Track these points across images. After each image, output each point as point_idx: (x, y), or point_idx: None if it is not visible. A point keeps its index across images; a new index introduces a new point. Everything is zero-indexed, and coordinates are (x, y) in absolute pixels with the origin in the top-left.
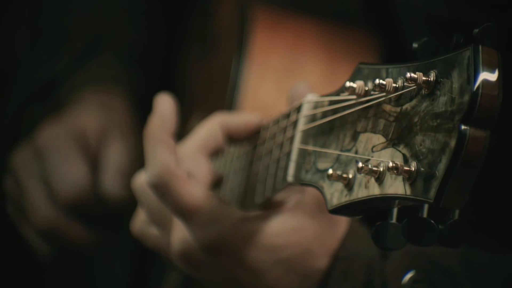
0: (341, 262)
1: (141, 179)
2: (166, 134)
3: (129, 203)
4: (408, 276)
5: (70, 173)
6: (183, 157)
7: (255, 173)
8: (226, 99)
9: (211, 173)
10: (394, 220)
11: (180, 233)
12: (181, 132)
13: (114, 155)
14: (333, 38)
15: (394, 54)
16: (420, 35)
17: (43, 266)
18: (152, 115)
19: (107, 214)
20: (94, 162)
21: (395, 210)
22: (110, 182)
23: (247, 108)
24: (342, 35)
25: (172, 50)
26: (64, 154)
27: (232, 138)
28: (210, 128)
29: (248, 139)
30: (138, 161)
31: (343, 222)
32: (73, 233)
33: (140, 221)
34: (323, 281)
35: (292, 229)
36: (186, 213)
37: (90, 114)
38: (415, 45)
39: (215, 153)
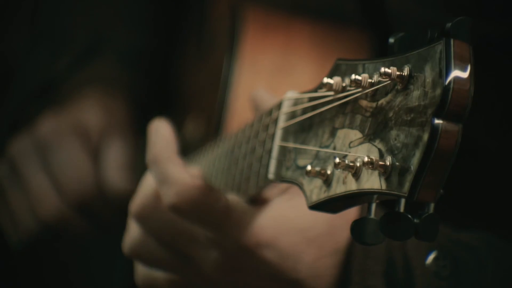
0: None
1: (141, 201)
2: (173, 153)
3: (130, 195)
4: (432, 256)
5: (76, 169)
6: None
7: (240, 172)
8: (217, 100)
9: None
10: (372, 215)
11: (210, 253)
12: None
13: (115, 152)
14: (324, 38)
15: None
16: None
17: (12, 251)
18: (152, 142)
19: (110, 210)
20: (93, 159)
21: (373, 205)
22: (114, 177)
23: (239, 108)
24: (333, 35)
25: (170, 51)
26: (69, 149)
27: None
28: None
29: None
30: (138, 160)
31: None
32: (77, 227)
33: (135, 240)
34: (347, 259)
35: None
36: (220, 220)
37: (92, 112)
38: (391, 40)
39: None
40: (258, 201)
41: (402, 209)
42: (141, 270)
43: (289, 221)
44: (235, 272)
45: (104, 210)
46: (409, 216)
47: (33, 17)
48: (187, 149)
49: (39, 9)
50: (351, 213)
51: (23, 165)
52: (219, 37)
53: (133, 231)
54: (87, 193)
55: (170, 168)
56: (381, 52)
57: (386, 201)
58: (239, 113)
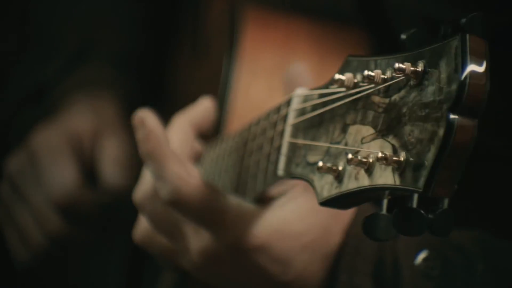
0: (352, 239)
1: (142, 191)
2: (166, 148)
3: (129, 193)
4: (421, 256)
5: (60, 175)
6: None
7: (246, 169)
8: (217, 99)
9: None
10: (384, 211)
11: (199, 239)
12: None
13: (110, 149)
14: (324, 37)
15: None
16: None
17: (16, 270)
18: (143, 136)
19: (102, 214)
20: (89, 163)
21: (385, 201)
22: (110, 172)
23: (238, 107)
24: (332, 34)
25: (162, 52)
26: (55, 157)
27: (201, 132)
28: (182, 133)
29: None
30: (132, 155)
31: None
32: (80, 237)
33: (143, 229)
34: (337, 258)
35: (310, 211)
36: (211, 219)
37: (82, 117)
38: (403, 36)
39: (193, 157)
40: (264, 200)
41: (415, 204)
42: (141, 227)
43: (286, 226)
44: (221, 265)
45: (97, 216)
46: (422, 211)
47: (22, 21)
48: None
49: (28, 14)
50: (346, 217)
51: (21, 183)
52: (216, 37)
53: (142, 221)
54: (74, 201)
55: (166, 165)
56: (380, 50)
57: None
58: (239, 112)
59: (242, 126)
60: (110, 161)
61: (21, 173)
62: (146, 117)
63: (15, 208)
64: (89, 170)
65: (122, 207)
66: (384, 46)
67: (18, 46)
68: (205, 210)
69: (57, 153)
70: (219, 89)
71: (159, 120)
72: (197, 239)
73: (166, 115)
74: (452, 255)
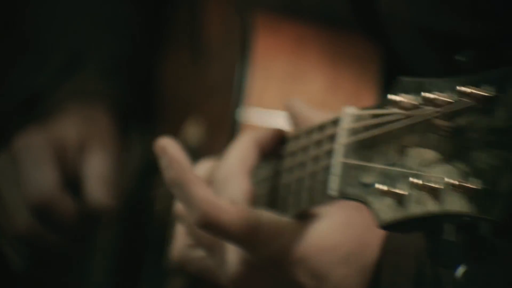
0: (390, 255)
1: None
2: (190, 173)
3: (116, 213)
4: (462, 268)
5: (38, 176)
6: (227, 178)
7: (285, 185)
8: (230, 105)
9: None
10: (447, 237)
11: (236, 253)
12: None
13: (97, 166)
14: (335, 45)
15: (395, 61)
16: (408, 43)
17: (16, 273)
18: (166, 165)
19: (81, 223)
20: (71, 174)
21: (447, 227)
22: (97, 193)
23: (251, 114)
24: (343, 42)
25: (154, 57)
26: (35, 158)
27: (265, 152)
28: (245, 147)
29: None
30: (120, 171)
31: None
32: (45, 239)
33: (180, 246)
34: (376, 275)
35: (343, 224)
36: (243, 238)
37: (70, 125)
38: (460, 58)
39: (250, 172)
40: (303, 216)
41: (487, 233)
42: (179, 245)
43: (322, 240)
44: (258, 279)
45: (72, 222)
46: (494, 242)
47: (11, 30)
48: (190, 154)
49: (16, 23)
50: (381, 232)
51: (1, 183)
52: (220, 42)
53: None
54: (49, 204)
55: (190, 190)
56: (389, 60)
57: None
58: (252, 120)
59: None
60: (96, 179)
61: (2, 174)
62: (167, 145)
63: None
64: (70, 180)
65: (103, 220)
66: (390, 53)
67: (9, 55)
68: (237, 230)
69: (37, 155)
70: (232, 95)
71: (178, 146)
72: (234, 253)
73: (158, 118)
74: (493, 265)
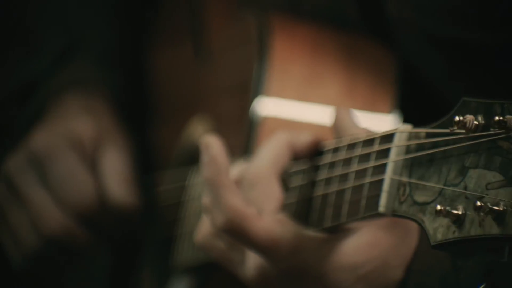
0: (415, 275)
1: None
2: (225, 177)
3: (137, 210)
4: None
5: (75, 181)
6: (257, 180)
7: (321, 197)
8: (246, 106)
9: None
10: (506, 259)
11: (255, 259)
12: (179, 134)
13: (114, 164)
14: (350, 47)
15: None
16: (417, 48)
17: (14, 272)
18: (205, 162)
19: (112, 222)
20: (91, 169)
21: (507, 249)
22: (117, 191)
23: (269, 119)
24: (359, 45)
25: (148, 47)
26: (66, 162)
27: (296, 157)
28: (279, 148)
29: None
30: (134, 166)
31: (415, 233)
32: (81, 239)
33: (205, 232)
34: None
35: (369, 244)
36: (264, 249)
37: (83, 120)
38: None
39: (281, 174)
40: (338, 229)
41: None
42: (204, 230)
43: (344, 258)
44: (271, 286)
45: (106, 221)
46: None
47: (4, 20)
48: (197, 153)
49: (8, 13)
50: (407, 252)
51: (21, 182)
52: (227, 42)
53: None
54: (88, 205)
55: (222, 194)
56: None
57: None
58: (270, 123)
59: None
60: (116, 177)
61: (20, 172)
62: (212, 144)
63: (10, 208)
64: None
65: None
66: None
67: (3, 44)
68: (260, 241)
69: (64, 156)
70: (247, 97)
71: (222, 147)
72: (253, 258)
73: (150, 112)
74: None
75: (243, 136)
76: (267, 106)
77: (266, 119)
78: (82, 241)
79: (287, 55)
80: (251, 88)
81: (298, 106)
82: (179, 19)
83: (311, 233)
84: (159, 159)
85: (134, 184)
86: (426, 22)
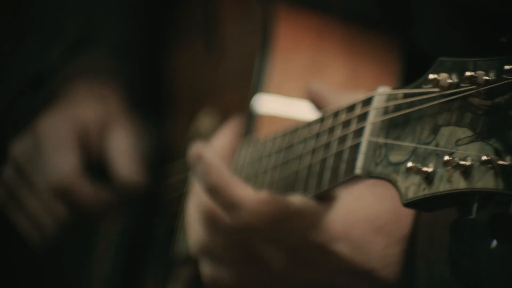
0: (424, 227)
1: (199, 241)
2: (228, 175)
3: (145, 188)
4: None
5: (60, 162)
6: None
7: (306, 167)
8: (248, 97)
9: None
10: (474, 216)
11: (277, 252)
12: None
13: (121, 144)
14: (356, 41)
15: (416, 55)
16: (434, 24)
17: (36, 252)
18: (201, 172)
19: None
20: (96, 155)
21: (475, 205)
22: (125, 169)
23: (266, 115)
24: (365, 38)
25: (163, 43)
26: (59, 144)
27: None
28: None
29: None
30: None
31: None
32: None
33: (209, 271)
34: (411, 246)
35: (375, 200)
36: (296, 225)
37: (89, 106)
38: (503, 39)
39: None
40: (324, 197)
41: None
42: (207, 269)
43: (356, 213)
44: (307, 268)
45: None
46: None
47: (17, 9)
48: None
49: (25, 2)
50: None
51: (26, 167)
52: (237, 34)
53: (199, 231)
54: (68, 188)
55: (233, 192)
56: (410, 53)
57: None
58: (266, 120)
59: (291, 125)
60: (122, 156)
61: (26, 157)
62: (202, 151)
63: (21, 192)
64: (95, 163)
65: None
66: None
67: (17, 33)
68: (283, 220)
69: (61, 140)
70: (250, 88)
71: (213, 151)
72: (278, 252)
73: (165, 105)
74: None
75: (243, 128)
76: (266, 103)
77: (264, 116)
78: (58, 218)
79: (291, 45)
80: (252, 78)
81: (296, 103)
82: (195, 16)
83: (315, 202)
84: (171, 152)
85: (140, 162)
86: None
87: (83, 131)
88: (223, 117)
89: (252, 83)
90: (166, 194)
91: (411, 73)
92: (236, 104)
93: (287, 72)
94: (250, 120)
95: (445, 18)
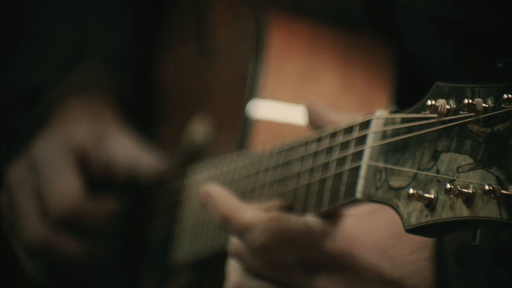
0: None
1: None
2: (234, 201)
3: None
4: None
5: (62, 186)
6: None
7: (304, 185)
8: (242, 103)
9: None
10: (477, 242)
11: (314, 271)
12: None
13: (124, 143)
14: (348, 47)
15: (408, 62)
16: (422, 35)
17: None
18: (212, 206)
19: (105, 226)
20: (99, 169)
21: (478, 232)
22: (145, 158)
23: (261, 120)
24: (357, 45)
25: (155, 49)
26: (58, 167)
27: None
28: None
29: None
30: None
31: None
32: (65, 247)
33: (235, 281)
34: (440, 251)
35: (387, 221)
36: (310, 238)
37: (83, 125)
38: (500, 64)
39: None
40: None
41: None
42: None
43: (372, 220)
44: (344, 281)
45: (96, 227)
46: None
47: (7, 23)
48: (197, 151)
49: (15, 16)
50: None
51: (15, 192)
52: (229, 41)
53: (234, 271)
54: (75, 212)
55: (242, 217)
56: (402, 62)
57: None
58: (261, 126)
59: (288, 140)
60: (132, 151)
61: (19, 182)
62: (210, 189)
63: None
64: (99, 178)
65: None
66: (403, 52)
67: (8, 48)
68: (296, 235)
69: (59, 164)
70: (244, 94)
71: (221, 187)
72: (309, 276)
73: (158, 111)
74: None
75: (238, 134)
76: (260, 109)
77: (259, 122)
78: (64, 250)
79: (284, 52)
80: (246, 85)
81: (290, 108)
82: (186, 20)
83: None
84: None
85: (150, 152)
86: (432, 5)
87: (80, 150)
88: (216, 123)
89: (246, 89)
90: (162, 201)
91: (404, 80)
92: (230, 110)
93: (281, 78)
94: (245, 125)
95: (436, 33)
